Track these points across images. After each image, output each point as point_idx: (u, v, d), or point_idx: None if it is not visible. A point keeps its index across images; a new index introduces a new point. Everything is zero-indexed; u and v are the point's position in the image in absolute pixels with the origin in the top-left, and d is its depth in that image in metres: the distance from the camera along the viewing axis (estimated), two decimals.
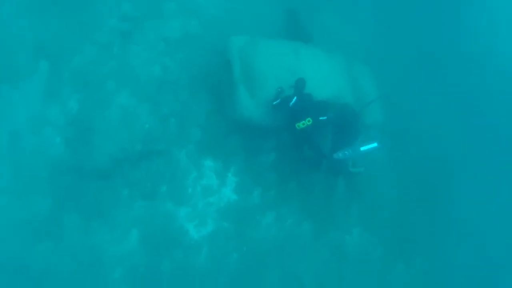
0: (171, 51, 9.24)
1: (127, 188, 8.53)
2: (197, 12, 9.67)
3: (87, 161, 8.47)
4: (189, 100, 8.93)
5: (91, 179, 8.49)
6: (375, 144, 7.85)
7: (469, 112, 10.58)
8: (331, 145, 8.57)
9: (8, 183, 8.65)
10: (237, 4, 9.98)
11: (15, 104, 8.99)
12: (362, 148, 7.89)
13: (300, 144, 8.48)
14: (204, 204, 8.53)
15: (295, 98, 7.90)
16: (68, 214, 8.48)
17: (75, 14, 9.28)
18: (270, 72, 8.28)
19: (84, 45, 9.06)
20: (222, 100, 8.91)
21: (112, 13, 9.34)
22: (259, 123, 8.40)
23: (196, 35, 9.42)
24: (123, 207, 8.46)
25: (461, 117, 10.65)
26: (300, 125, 7.93)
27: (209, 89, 9.08)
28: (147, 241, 8.29)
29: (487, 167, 10.30)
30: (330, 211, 9.13)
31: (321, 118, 8.02)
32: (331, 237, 9.04)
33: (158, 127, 8.66)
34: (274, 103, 7.98)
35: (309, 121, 7.91)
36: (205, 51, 9.35)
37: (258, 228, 8.60)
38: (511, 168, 10.33)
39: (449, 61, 11.08)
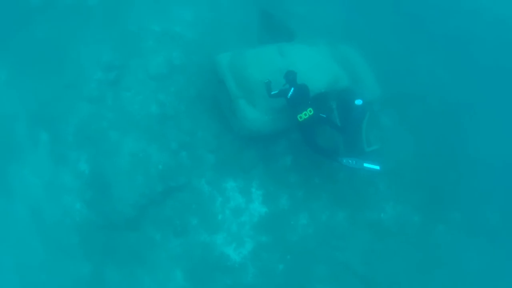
0: (163, 87, 9.23)
1: (158, 230, 8.58)
2: (176, 41, 9.65)
3: (112, 216, 8.50)
4: (193, 129, 8.95)
5: (122, 231, 8.55)
6: (377, 167, 8.04)
7: (462, 55, 10.49)
8: (341, 130, 8.52)
9: (42, 259, 8.75)
10: (212, 22, 9.94)
11: (28, 180, 9.05)
12: (365, 164, 8.03)
13: (309, 138, 8.41)
14: (237, 225, 8.57)
15: (292, 89, 7.88)
16: (109, 270, 8.57)
17: (60, 77, 9.33)
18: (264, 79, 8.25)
19: (77, 105, 9.11)
20: (224, 119, 8.88)
21: (95, 67, 9.34)
22: (269, 131, 8.37)
23: (182, 64, 9.41)
24: (160, 250, 8.51)
25: (455, 63, 10.56)
26: (302, 115, 7.84)
27: (210, 112, 9.08)
28: (192, 276, 8.35)
29: (497, 104, 10.21)
30: (359, 194, 9.13)
31: (321, 114, 7.99)
32: (367, 218, 9.05)
33: (171, 163, 8.67)
34: (272, 93, 7.91)
35: (310, 111, 7.87)
36: (195, 76, 9.35)
37: (295, 232, 8.63)
38: None
39: (428, 12, 10.95)
